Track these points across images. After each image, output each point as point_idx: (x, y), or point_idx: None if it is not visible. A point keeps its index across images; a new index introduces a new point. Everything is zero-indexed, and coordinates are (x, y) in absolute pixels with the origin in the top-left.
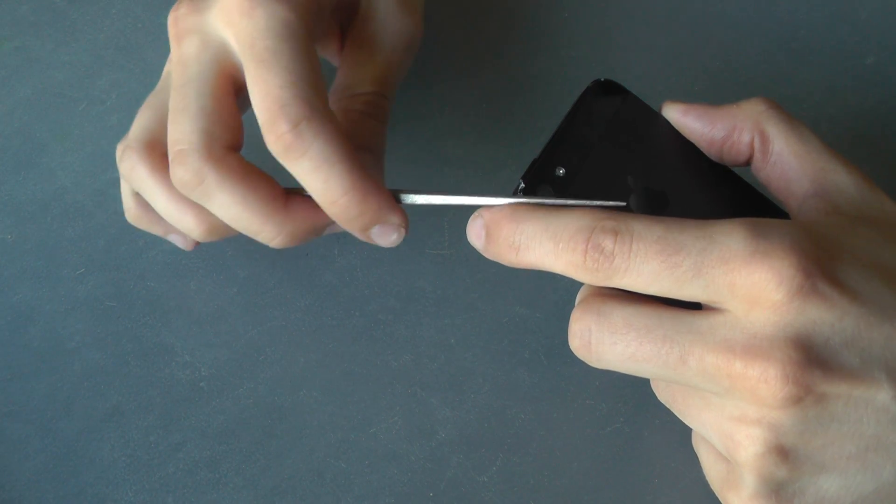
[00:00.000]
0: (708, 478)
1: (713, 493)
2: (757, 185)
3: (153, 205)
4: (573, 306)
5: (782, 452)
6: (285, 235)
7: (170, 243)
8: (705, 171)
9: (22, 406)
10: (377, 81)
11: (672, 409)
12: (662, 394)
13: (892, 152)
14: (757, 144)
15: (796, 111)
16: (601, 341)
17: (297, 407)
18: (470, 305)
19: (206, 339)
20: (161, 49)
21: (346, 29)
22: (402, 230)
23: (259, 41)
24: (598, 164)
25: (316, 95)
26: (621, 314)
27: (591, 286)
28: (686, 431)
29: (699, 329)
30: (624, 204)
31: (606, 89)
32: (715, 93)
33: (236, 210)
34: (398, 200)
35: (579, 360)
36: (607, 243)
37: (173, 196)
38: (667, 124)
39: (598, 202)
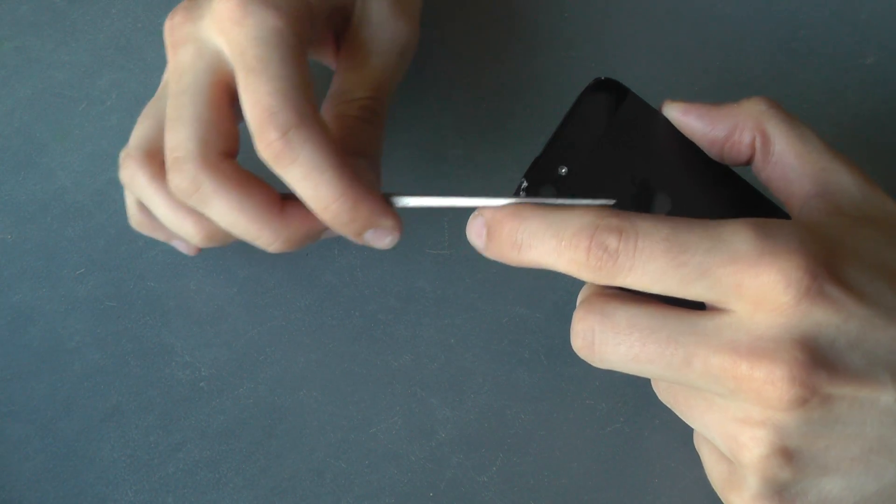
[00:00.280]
0: (710, 478)
1: (713, 494)
2: (757, 184)
3: (153, 212)
4: (573, 306)
5: (786, 454)
6: (283, 240)
7: None
8: (706, 170)
9: (22, 406)
10: (372, 86)
11: (674, 410)
12: (664, 394)
13: (893, 152)
14: (758, 144)
15: (796, 111)
16: (604, 342)
17: (297, 407)
18: (470, 305)
19: (206, 339)
20: (161, 49)
21: (342, 34)
22: (396, 233)
23: (249, 49)
24: (598, 162)
25: (305, 103)
26: (625, 314)
27: (593, 286)
28: (687, 431)
29: (704, 330)
30: (614, 201)
31: (607, 88)
32: (715, 93)
33: (233, 216)
34: (391, 203)
35: (579, 360)
36: (611, 241)
37: (172, 203)
38: (668, 123)
39: (587, 200)
